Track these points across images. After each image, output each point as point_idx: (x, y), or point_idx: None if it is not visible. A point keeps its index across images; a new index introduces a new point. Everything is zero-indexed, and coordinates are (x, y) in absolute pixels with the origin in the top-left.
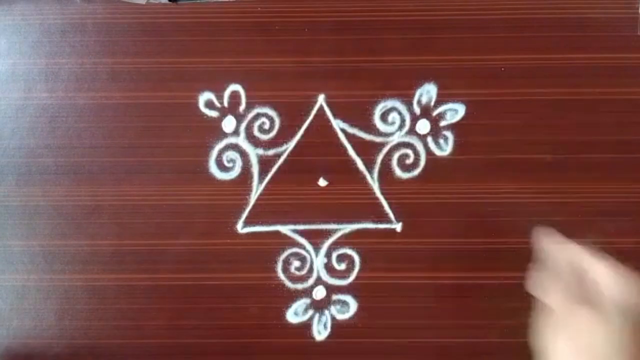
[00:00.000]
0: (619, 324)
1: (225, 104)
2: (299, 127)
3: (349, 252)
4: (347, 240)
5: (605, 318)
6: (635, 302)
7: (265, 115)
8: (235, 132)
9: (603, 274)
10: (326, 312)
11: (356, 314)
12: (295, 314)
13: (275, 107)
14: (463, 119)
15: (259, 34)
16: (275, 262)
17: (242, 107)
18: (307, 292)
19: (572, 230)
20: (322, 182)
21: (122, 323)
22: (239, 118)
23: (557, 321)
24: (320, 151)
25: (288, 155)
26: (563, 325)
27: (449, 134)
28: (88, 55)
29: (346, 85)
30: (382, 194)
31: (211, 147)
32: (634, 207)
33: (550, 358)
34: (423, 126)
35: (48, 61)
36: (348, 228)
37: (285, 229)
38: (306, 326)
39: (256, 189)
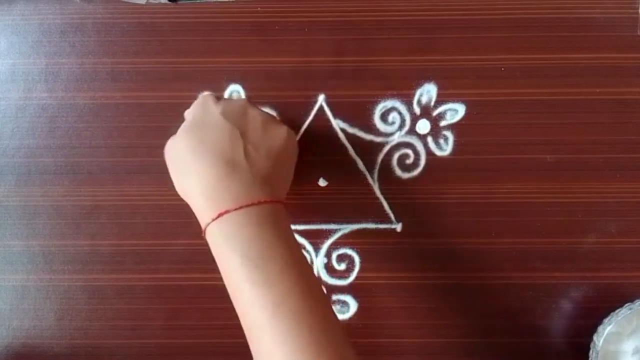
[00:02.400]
0: (181, 135)
1: None
2: (299, 127)
3: (349, 252)
4: (347, 240)
5: (176, 136)
6: (192, 114)
7: None
8: None
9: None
10: None
11: (356, 314)
12: None
13: (275, 107)
14: (463, 119)
15: (259, 34)
16: None
17: None
18: None
19: (572, 230)
20: (322, 182)
21: (122, 323)
22: None
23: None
24: (320, 151)
25: None
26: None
27: (449, 134)
28: (88, 55)
29: (346, 85)
30: (382, 194)
31: None
32: (634, 207)
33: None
34: (423, 126)
35: (48, 61)
36: (348, 228)
37: None
38: None
39: None
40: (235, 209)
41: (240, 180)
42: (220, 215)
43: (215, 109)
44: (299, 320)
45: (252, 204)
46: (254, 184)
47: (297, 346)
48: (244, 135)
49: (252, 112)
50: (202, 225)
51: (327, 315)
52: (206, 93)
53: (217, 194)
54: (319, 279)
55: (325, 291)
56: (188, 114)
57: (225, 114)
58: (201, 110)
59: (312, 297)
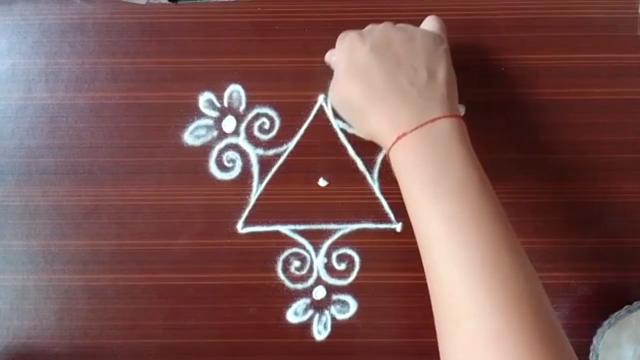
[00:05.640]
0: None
1: (225, 104)
2: (299, 127)
3: (349, 252)
4: (347, 240)
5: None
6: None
7: (265, 115)
8: (235, 132)
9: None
10: (326, 312)
11: (356, 314)
12: (295, 314)
13: (275, 107)
14: (463, 119)
15: (259, 34)
16: (275, 262)
17: (242, 107)
18: (307, 292)
19: (572, 230)
20: (322, 182)
21: (122, 323)
22: (239, 118)
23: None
24: (320, 151)
25: (288, 156)
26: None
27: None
28: (88, 55)
29: None
30: (382, 194)
31: (211, 147)
32: (634, 207)
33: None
34: None
35: (48, 61)
36: (348, 228)
37: (285, 229)
38: (306, 326)
39: (256, 189)
40: (411, 131)
41: (411, 104)
42: (398, 139)
43: (362, 48)
44: (478, 235)
45: (425, 123)
46: (424, 104)
47: (477, 260)
48: (399, 62)
49: (396, 36)
50: (388, 154)
51: (508, 233)
52: (347, 33)
53: (394, 123)
54: (319, 279)
55: (325, 292)
56: (337, 58)
57: (373, 49)
58: (349, 54)
59: (492, 212)
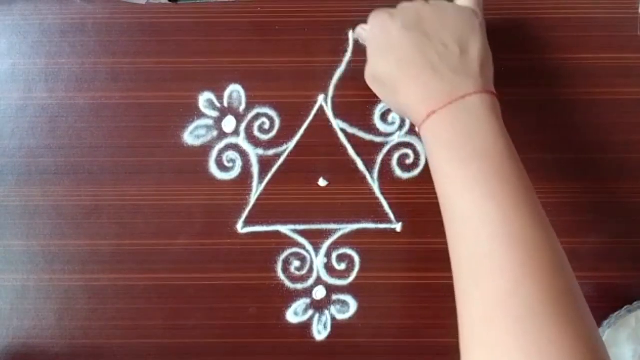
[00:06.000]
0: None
1: (225, 104)
2: (299, 127)
3: (349, 252)
4: (347, 240)
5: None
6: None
7: (265, 115)
8: (235, 132)
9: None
10: (326, 312)
11: (356, 314)
12: (295, 314)
13: (275, 107)
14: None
15: (259, 34)
16: (275, 262)
17: (242, 107)
18: (307, 292)
19: (572, 230)
20: (322, 182)
21: (122, 323)
22: (239, 118)
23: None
24: (320, 151)
25: (288, 155)
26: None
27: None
28: (88, 55)
29: (346, 85)
30: (382, 194)
31: (211, 147)
32: (634, 207)
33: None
34: None
35: (48, 61)
36: (348, 228)
37: (285, 229)
38: (306, 326)
39: (256, 189)
40: (441, 108)
41: (442, 80)
42: (428, 116)
43: (393, 26)
44: (501, 196)
45: (456, 99)
46: (456, 80)
47: (498, 218)
48: (430, 38)
49: (427, 12)
50: (419, 129)
51: (533, 202)
52: (378, 12)
53: (425, 100)
54: (319, 279)
55: (325, 292)
56: (369, 35)
57: (404, 26)
58: (381, 31)
59: (516, 178)
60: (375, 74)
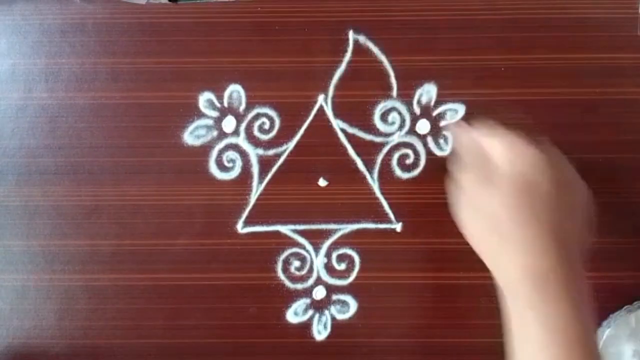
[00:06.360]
0: (509, 191)
1: (225, 104)
2: (299, 127)
3: (349, 252)
4: (347, 240)
5: (499, 189)
6: (521, 167)
7: (265, 115)
8: (235, 132)
9: (496, 148)
10: (326, 312)
11: (356, 314)
12: (295, 314)
13: (275, 107)
14: (463, 119)
15: (259, 34)
16: (275, 262)
17: (242, 107)
18: (307, 292)
19: None
20: (322, 182)
21: (122, 323)
22: (239, 118)
23: (465, 197)
24: (320, 151)
25: (288, 155)
26: (469, 200)
27: (449, 134)
28: (88, 55)
29: (346, 85)
30: (382, 194)
31: (211, 147)
32: (634, 207)
33: (462, 228)
34: (423, 126)
35: (48, 61)
36: (348, 228)
37: (285, 229)
38: (306, 326)
39: (256, 189)
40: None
41: (569, 272)
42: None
43: (547, 177)
44: None
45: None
46: (582, 273)
47: None
48: (573, 215)
49: (577, 186)
50: (514, 303)
51: None
52: (526, 147)
53: (545, 283)
54: (319, 279)
55: (325, 292)
56: (509, 161)
57: (558, 186)
58: (533, 171)
59: None
60: (505, 201)
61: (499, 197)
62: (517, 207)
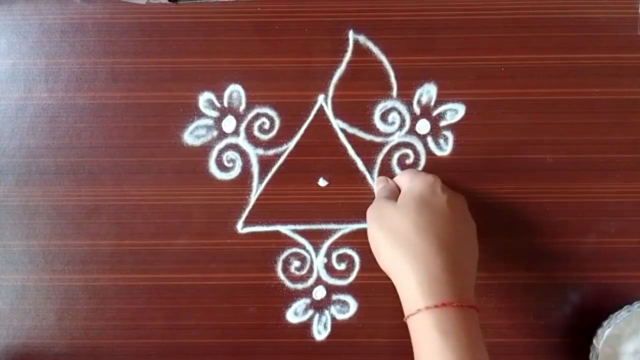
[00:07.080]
0: (410, 207)
1: (225, 104)
2: (299, 127)
3: (349, 252)
4: (347, 240)
5: (401, 206)
6: (420, 189)
7: (265, 115)
8: (235, 132)
9: (403, 178)
10: (326, 312)
11: (356, 314)
12: (295, 314)
13: (275, 107)
14: (463, 119)
15: (259, 34)
16: (275, 262)
17: (242, 107)
18: (307, 292)
19: (572, 230)
20: (322, 182)
21: (122, 323)
22: (239, 118)
23: (372, 211)
24: (320, 151)
25: (288, 155)
26: (376, 216)
27: (449, 134)
28: (88, 55)
29: (346, 85)
30: None
31: (211, 147)
32: (633, 207)
33: (370, 240)
34: (423, 126)
35: (48, 61)
36: (348, 228)
37: (285, 229)
38: (306, 326)
39: (256, 189)
40: (457, 306)
41: (463, 279)
42: (438, 306)
43: (442, 196)
44: None
45: (472, 307)
46: (472, 288)
47: None
48: (466, 236)
49: (467, 215)
50: (410, 309)
51: None
52: (432, 178)
53: (439, 285)
54: (319, 279)
55: (325, 292)
56: (408, 186)
57: (450, 205)
58: (428, 190)
59: None
60: (401, 218)
61: (400, 211)
62: (415, 220)
